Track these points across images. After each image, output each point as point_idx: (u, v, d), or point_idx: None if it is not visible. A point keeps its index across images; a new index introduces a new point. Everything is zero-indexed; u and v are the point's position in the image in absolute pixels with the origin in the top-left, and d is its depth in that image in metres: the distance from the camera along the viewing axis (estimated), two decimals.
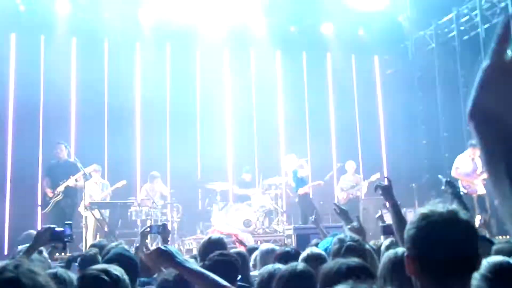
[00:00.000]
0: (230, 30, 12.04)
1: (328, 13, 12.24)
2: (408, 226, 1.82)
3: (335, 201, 10.20)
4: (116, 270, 2.63)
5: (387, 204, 3.87)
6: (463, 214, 1.75)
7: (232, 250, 4.51)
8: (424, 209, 1.80)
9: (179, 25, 11.71)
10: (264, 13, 12.07)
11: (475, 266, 1.75)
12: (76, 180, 9.05)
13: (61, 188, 8.99)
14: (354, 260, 2.66)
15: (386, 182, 3.96)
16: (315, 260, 3.28)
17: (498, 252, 3.10)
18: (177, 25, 11.69)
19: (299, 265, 2.93)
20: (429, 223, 1.74)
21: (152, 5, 11.41)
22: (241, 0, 11.83)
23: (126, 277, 2.63)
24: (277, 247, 4.72)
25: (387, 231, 4.82)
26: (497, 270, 2.34)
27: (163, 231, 5.71)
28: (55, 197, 8.97)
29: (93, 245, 5.50)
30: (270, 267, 3.11)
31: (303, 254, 3.50)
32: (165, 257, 2.51)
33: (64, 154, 9.34)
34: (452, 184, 4.64)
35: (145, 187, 10.13)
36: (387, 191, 3.84)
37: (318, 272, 2.85)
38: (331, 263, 2.76)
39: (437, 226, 1.72)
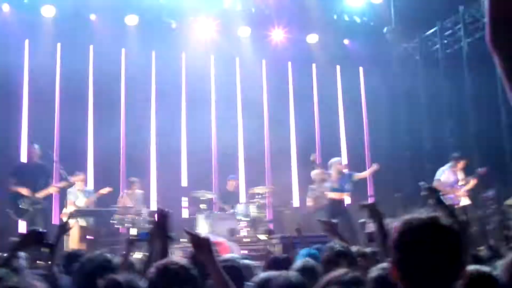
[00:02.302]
0: (217, 38, 12.10)
1: (314, 24, 12.38)
2: (392, 232, 1.85)
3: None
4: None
5: (374, 223, 3.92)
6: (444, 220, 1.79)
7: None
8: (407, 216, 1.84)
9: (165, 31, 11.72)
10: (250, 23, 12.16)
11: (458, 273, 1.75)
12: (58, 189, 8.93)
13: (40, 195, 8.75)
14: (346, 272, 2.68)
15: (370, 201, 4.02)
16: (310, 271, 3.30)
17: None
18: (163, 31, 11.70)
19: (294, 276, 2.92)
20: (410, 228, 1.78)
21: (138, 12, 11.41)
22: (228, 8, 11.88)
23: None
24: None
25: (371, 238, 4.86)
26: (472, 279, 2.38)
27: (149, 239, 5.65)
28: (36, 205, 8.71)
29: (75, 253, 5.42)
30: (265, 274, 3.11)
31: (297, 265, 3.51)
32: (205, 246, 2.65)
33: (36, 156, 9.07)
34: (432, 190, 4.53)
35: (126, 194, 10.06)
36: (373, 210, 3.89)
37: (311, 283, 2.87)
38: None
39: (418, 231, 1.76)
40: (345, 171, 9.75)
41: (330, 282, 2.63)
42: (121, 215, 9.43)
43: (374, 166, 10.02)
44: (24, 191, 8.67)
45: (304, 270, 3.32)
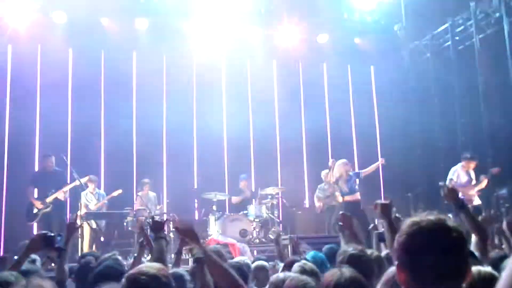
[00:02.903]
0: (227, 39, 12.11)
1: (324, 23, 12.33)
2: (398, 234, 1.84)
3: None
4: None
5: (384, 222, 3.89)
6: (452, 222, 1.77)
7: (229, 261, 4.52)
8: (415, 217, 1.83)
9: (176, 34, 11.76)
10: (260, 23, 12.14)
11: (465, 275, 1.74)
12: (64, 193, 9.04)
13: (49, 199, 8.96)
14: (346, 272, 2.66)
15: (386, 201, 3.98)
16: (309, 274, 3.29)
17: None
18: (173, 34, 11.75)
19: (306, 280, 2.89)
20: (418, 229, 1.77)
21: (149, 14, 11.47)
22: (238, 9, 11.87)
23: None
24: (267, 265, 4.74)
25: (382, 238, 4.81)
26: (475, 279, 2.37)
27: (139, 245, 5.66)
28: (44, 209, 8.91)
29: (85, 255, 5.48)
30: (281, 275, 3.09)
31: (297, 266, 3.51)
32: (191, 234, 2.82)
33: (51, 165, 9.33)
34: (452, 191, 3.99)
35: (139, 195, 10.14)
36: (385, 210, 3.86)
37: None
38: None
39: (426, 233, 1.75)
40: (350, 172, 9.67)
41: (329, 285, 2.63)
42: (133, 218, 9.52)
43: (381, 160, 9.93)
44: (38, 204, 8.95)
45: (303, 273, 3.31)
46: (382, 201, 4.03)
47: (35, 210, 8.96)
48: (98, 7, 10.92)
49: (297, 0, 12.18)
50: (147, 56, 11.73)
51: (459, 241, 1.75)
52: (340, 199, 9.84)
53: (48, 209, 8.92)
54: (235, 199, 10.73)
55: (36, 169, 10.24)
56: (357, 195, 9.55)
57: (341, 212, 4.78)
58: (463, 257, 1.75)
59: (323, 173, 10.53)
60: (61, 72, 11.11)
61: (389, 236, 3.77)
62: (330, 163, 9.97)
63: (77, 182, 8.96)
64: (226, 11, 11.84)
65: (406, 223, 1.83)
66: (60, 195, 9.01)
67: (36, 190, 9.21)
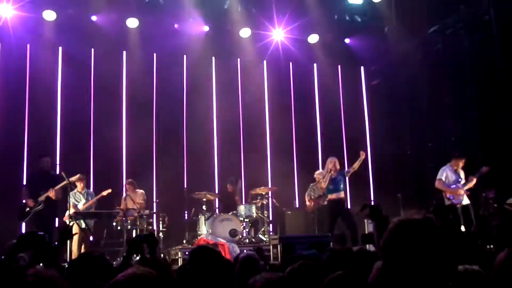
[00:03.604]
0: (217, 40, 12.10)
1: (314, 23, 12.34)
2: (385, 233, 1.85)
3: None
4: None
5: (372, 223, 3.92)
6: (437, 221, 1.79)
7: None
8: (401, 217, 1.84)
9: (166, 34, 11.74)
10: (248, 24, 12.12)
11: (450, 275, 1.76)
12: (56, 192, 9.02)
13: (41, 198, 8.97)
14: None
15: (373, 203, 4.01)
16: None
17: None
18: (164, 34, 11.72)
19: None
20: (403, 228, 1.78)
21: (139, 15, 11.43)
22: (227, 11, 11.86)
23: None
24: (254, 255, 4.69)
25: (367, 239, 4.82)
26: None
27: (150, 240, 5.69)
28: (35, 207, 8.93)
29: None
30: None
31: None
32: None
33: (47, 166, 9.38)
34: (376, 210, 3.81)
35: (129, 196, 10.07)
36: (375, 211, 3.88)
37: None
38: None
39: (411, 231, 1.76)
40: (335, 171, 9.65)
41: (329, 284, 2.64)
42: (122, 218, 9.49)
43: (362, 154, 9.92)
44: (29, 202, 9.01)
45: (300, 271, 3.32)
46: (370, 203, 4.06)
47: (27, 209, 8.98)
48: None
49: (287, 1, 12.15)
50: (137, 55, 11.69)
51: (443, 238, 1.76)
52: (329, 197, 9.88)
53: (39, 207, 8.92)
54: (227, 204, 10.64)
55: (25, 168, 10.19)
56: (341, 194, 9.57)
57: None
58: (446, 256, 1.76)
59: (317, 173, 10.57)
60: (52, 71, 11.07)
61: (377, 237, 3.79)
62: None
63: (66, 182, 8.93)
64: (217, 11, 11.85)
65: (394, 222, 1.84)
66: (51, 193, 8.98)
67: (29, 189, 9.21)
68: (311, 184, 10.68)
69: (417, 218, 1.82)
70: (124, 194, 10.20)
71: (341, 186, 9.53)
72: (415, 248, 1.74)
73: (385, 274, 1.83)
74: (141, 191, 10.17)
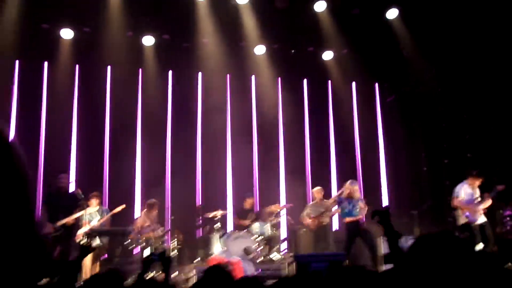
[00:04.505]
0: (233, 56, 12.10)
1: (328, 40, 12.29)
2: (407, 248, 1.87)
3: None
4: None
5: (383, 228, 3.88)
6: (457, 236, 1.80)
7: None
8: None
9: (182, 50, 11.82)
10: (265, 40, 12.11)
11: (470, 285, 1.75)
12: (74, 219, 9.03)
13: (60, 223, 8.92)
14: None
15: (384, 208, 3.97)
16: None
17: None
18: (179, 51, 11.80)
19: None
20: (425, 241, 1.79)
21: (154, 32, 11.52)
22: (243, 26, 11.84)
23: None
24: None
25: (388, 259, 4.73)
26: None
27: (164, 258, 5.70)
28: (55, 233, 8.84)
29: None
30: None
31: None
32: None
33: (65, 184, 9.38)
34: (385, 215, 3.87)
35: (144, 213, 10.06)
36: (384, 218, 3.84)
37: None
38: None
39: (432, 244, 1.76)
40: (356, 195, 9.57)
41: None
42: (137, 235, 9.49)
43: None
44: (49, 227, 8.83)
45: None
46: (380, 209, 4.02)
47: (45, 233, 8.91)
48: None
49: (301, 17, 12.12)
50: (152, 74, 11.80)
51: (465, 252, 1.77)
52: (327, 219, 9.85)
53: (58, 233, 8.86)
54: (243, 222, 10.61)
55: (41, 184, 10.30)
56: (358, 218, 9.46)
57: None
58: (467, 269, 1.75)
59: (315, 190, 10.59)
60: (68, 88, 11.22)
61: (389, 245, 3.73)
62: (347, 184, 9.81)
63: (83, 207, 8.98)
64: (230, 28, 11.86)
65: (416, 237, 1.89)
66: (70, 221, 9.00)
67: (48, 212, 9.07)
68: (310, 203, 10.67)
69: (437, 232, 1.86)
70: (141, 213, 10.16)
71: (357, 211, 9.39)
72: (436, 260, 1.76)
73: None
74: (156, 211, 10.21)
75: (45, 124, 11.02)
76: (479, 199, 9.22)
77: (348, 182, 9.56)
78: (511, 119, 10.36)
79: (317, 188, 10.83)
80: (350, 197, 9.34)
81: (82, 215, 9.14)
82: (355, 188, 9.45)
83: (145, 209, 10.04)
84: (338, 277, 3.11)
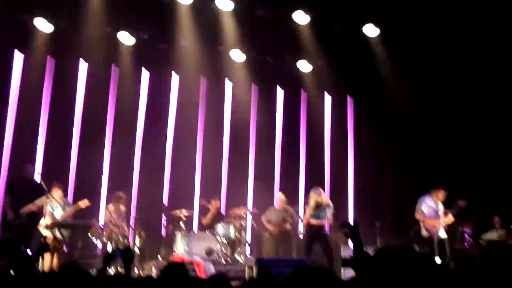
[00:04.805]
0: (209, 59, 12.10)
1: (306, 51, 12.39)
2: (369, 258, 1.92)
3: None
4: None
5: (352, 242, 3.97)
6: (417, 248, 1.87)
7: None
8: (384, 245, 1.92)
9: (159, 51, 11.80)
10: (243, 46, 12.15)
11: None
12: (38, 206, 8.99)
13: (24, 211, 8.88)
14: None
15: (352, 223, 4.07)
16: None
17: None
18: (156, 51, 11.79)
19: None
20: (386, 254, 1.84)
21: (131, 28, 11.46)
22: (223, 31, 11.84)
23: None
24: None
25: (347, 263, 4.84)
26: None
27: (127, 255, 5.68)
28: (17, 220, 8.82)
29: None
30: None
31: None
32: None
33: (30, 174, 9.31)
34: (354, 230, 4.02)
35: (110, 208, 9.98)
36: (353, 232, 3.93)
37: None
38: None
39: (393, 257, 1.81)
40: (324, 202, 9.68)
41: None
42: (101, 230, 9.45)
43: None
44: (9, 213, 8.90)
45: None
46: (348, 222, 4.12)
47: (7, 219, 8.92)
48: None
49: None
50: (126, 69, 11.75)
51: (425, 265, 1.83)
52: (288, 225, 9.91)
53: (22, 220, 8.84)
54: (205, 221, 10.60)
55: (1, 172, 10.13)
56: (323, 222, 9.57)
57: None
58: (426, 280, 1.82)
59: (281, 196, 10.65)
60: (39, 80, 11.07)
61: (356, 255, 3.82)
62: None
63: (46, 197, 8.96)
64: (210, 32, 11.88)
65: (378, 248, 1.94)
66: (34, 208, 8.96)
67: (11, 199, 9.10)
68: (271, 208, 10.75)
69: (399, 245, 1.90)
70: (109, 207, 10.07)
71: (324, 215, 9.48)
72: (397, 273, 1.80)
73: None
74: (124, 208, 10.16)
75: (15, 114, 10.82)
76: (442, 213, 9.39)
77: (311, 191, 9.65)
78: (479, 138, 10.63)
79: (279, 193, 10.94)
80: (319, 204, 9.44)
81: (44, 205, 9.02)
82: (319, 194, 9.53)
83: (112, 202, 9.96)
84: (306, 280, 3.18)
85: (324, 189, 10.59)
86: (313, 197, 9.43)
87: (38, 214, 9.08)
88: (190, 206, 11.10)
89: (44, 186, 9.00)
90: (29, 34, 10.70)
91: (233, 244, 10.23)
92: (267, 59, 12.68)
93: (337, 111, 13.56)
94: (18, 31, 10.72)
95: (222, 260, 9.75)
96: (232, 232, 10.18)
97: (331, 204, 9.62)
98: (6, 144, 10.55)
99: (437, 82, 11.74)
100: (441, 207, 9.50)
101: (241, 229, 10.46)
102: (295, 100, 13.49)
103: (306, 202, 10.02)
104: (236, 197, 11.85)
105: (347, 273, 8.55)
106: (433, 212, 9.45)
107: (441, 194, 9.53)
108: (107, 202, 10.29)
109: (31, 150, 10.70)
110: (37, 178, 9.43)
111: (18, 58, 11.03)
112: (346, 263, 7.21)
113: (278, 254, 10.23)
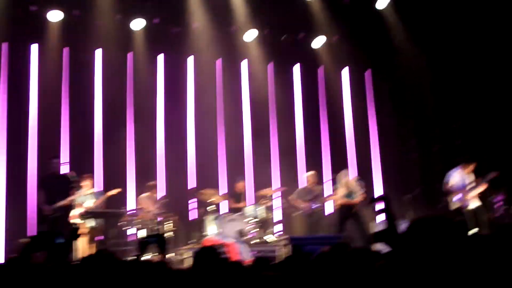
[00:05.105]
0: (223, 40, 12.03)
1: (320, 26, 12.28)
2: (403, 230, 1.90)
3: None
4: None
5: (382, 217, 3.94)
6: (451, 220, 1.85)
7: None
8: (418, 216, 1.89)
9: (170, 33, 11.73)
10: (256, 25, 12.04)
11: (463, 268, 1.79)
12: (72, 200, 9.12)
13: (58, 205, 8.98)
14: None
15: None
16: None
17: None
18: (170, 36, 11.72)
19: None
20: (420, 224, 1.83)
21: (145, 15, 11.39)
22: (235, 11, 11.74)
23: None
24: None
25: (378, 238, 4.77)
26: None
27: (160, 240, 5.74)
28: (54, 214, 8.93)
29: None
30: None
31: None
32: None
33: (59, 168, 9.43)
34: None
35: (143, 197, 10.10)
36: (385, 205, 3.89)
37: None
38: None
39: (428, 227, 1.80)
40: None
41: None
42: (134, 218, 9.55)
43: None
44: (47, 209, 8.97)
45: None
46: (378, 197, 4.10)
47: (43, 213, 9.04)
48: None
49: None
50: (142, 57, 11.70)
51: (459, 233, 1.81)
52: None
53: (57, 214, 8.95)
54: (234, 205, 10.65)
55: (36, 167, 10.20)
56: (355, 201, 9.72)
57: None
58: (462, 251, 1.80)
59: (308, 174, 10.64)
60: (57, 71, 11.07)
61: (388, 228, 3.80)
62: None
63: (78, 189, 9.10)
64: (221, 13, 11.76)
65: (412, 219, 1.91)
66: (67, 202, 9.07)
67: (45, 195, 9.22)
68: (299, 188, 10.76)
69: (432, 215, 1.89)
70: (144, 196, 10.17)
71: (355, 196, 9.67)
72: (433, 243, 1.78)
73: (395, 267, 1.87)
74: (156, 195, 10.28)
75: (37, 108, 10.83)
76: (473, 184, 9.35)
77: (342, 173, 9.92)
78: (502, 107, 10.49)
79: (311, 172, 10.90)
80: (350, 186, 9.62)
81: (75, 197, 9.14)
82: (347, 178, 9.68)
83: (146, 191, 10.08)
84: (344, 259, 3.17)
85: (349, 167, 10.68)
86: (345, 179, 9.60)
87: (69, 206, 9.19)
88: (216, 188, 11.13)
89: (74, 177, 9.07)
90: (43, 26, 10.69)
91: (264, 224, 10.27)
92: (281, 37, 12.60)
93: (355, 85, 13.48)
94: (32, 24, 10.69)
95: (255, 240, 9.80)
96: (262, 212, 10.22)
97: (361, 183, 9.77)
98: (32, 141, 10.60)
99: (457, 50, 11.57)
100: (470, 179, 9.46)
101: (269, 209, 10.49)
102: (312, 76, 13.41)
103: (333, 182, 10.14)
104: (261, 177, 11.87)
105: (380, 248, 8.56)
106: (462, 184, 9.42)
107: (470, 166, 9.48)
108: (137, 191, 10.37)
109: (56, 142, 10.74)
110: (65, 170, 9.53)
111: (34, 51, 11.01)
112: (378, 238, 7.20)
113: (309, 232, 10.28)
